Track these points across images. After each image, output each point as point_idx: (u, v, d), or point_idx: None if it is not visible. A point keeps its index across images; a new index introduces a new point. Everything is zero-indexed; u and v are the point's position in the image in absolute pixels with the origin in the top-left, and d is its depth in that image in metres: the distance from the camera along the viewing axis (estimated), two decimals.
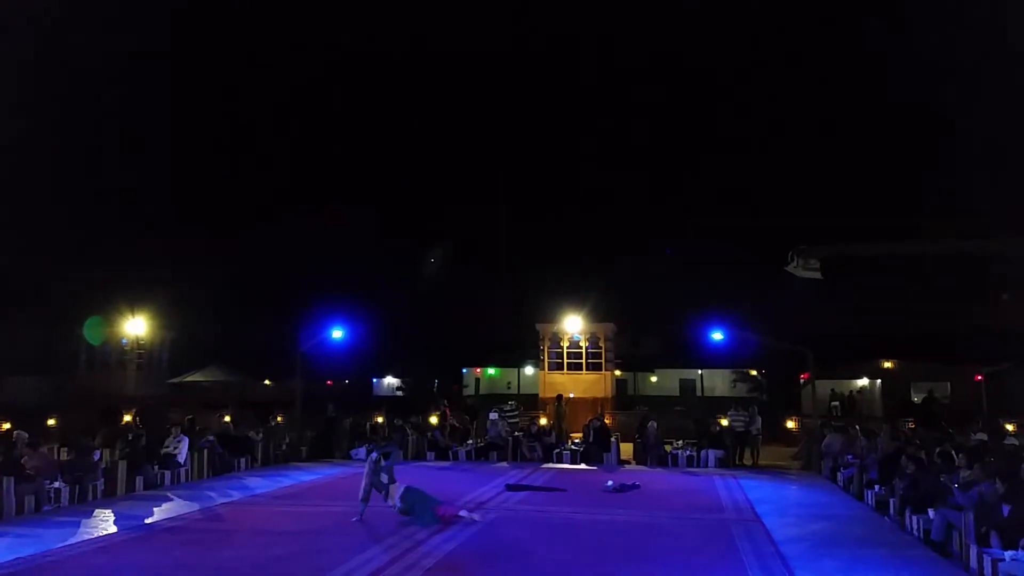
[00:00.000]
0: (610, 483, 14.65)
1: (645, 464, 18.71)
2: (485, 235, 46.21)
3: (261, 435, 18.83)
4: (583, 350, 27.66)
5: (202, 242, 41.57)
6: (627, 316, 31.32)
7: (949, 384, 30.79)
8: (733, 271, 38.39)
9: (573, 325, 27.43)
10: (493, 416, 20.70)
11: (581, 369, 27.64)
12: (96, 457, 13.71)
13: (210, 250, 40.78)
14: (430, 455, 19.96)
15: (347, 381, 40.90)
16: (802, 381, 29.09)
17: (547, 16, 50.49)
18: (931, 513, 10.08)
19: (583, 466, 18.64)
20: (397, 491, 11.26)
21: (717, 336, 21.86)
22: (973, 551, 8.74)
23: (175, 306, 32.27)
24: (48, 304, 32.63)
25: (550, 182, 51.98)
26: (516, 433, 20.51)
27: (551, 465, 18.72)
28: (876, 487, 12.96)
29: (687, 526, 11.20)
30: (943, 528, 9.60)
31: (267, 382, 37.51)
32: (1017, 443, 14.87)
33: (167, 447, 15.40)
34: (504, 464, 19.00)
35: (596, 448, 19.19)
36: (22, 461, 12.21)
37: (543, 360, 28.17)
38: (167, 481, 14.93)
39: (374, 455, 11.68)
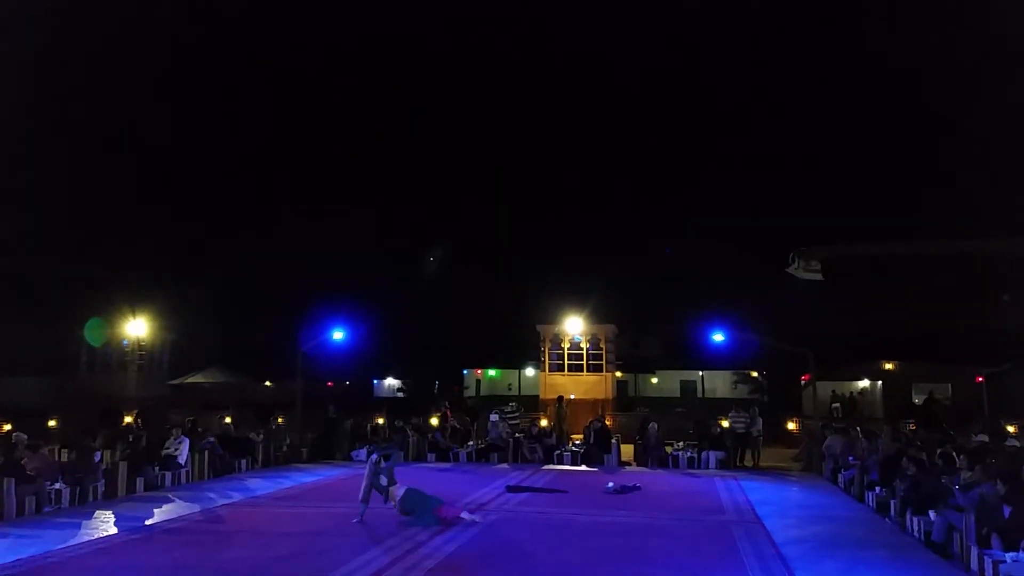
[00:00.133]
0: (611, 484, 14.65)
1: (646, 465, 18.71)
2: (485, 235, 46.17)
3: (262, 436, 18.84)
4: (584, 351, 27.65)
5: (202, 242, 41.59)
6: (628, 317, 31.30)
7: (950, 385, 30.81)
8: (733, 272, 38.36)
9: (574, 326, 27.43)
10: (494, 418, 20.69)
11: (582, 370, 27.63)
12: (97, 458, 13.72)
13: (210, 250, 40.80)
14: (431, 456, 19.97)
15: (348, 382, 40.93)
16: (803, 382, 29.07)
17: (547, 16, 50.49)
18: (932, 515, 10.09)
19: (584, 468, 18.64)
20: (398, 492, 11.27)
21: (718, 337, 21.88)
22: (974, 553, 8.74)
23: (176, 307, 32.30)
24: (49, 305, 32.64)
25: (551, 182, 51.99)
26: (517, 434, 20.51)
27: (552, 467, 18.71)
28: (877, 488, 12.96)
29: (688, 528, 11.20)
30: (944, 530, 9.60)
31: (268, 383, 37.55)
32: (1018, 444, 14.85)
33: (168, 448, 15.41)
34: (505, 465, 18.99)
35: (597, 449, 19.18)
36: (22, 462, 12.21)
37: (544, 361, 28.17)
38: (168, 482, 14.93)
39: (374, 456, 11.69)
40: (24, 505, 11.86)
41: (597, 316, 27.82)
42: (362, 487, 11.44)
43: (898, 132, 41.28)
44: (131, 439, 15.13)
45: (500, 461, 19.53)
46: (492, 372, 45.16)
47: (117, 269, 33.74)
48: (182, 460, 15.40)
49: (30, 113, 32.29)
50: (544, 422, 22.73)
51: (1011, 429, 18.37)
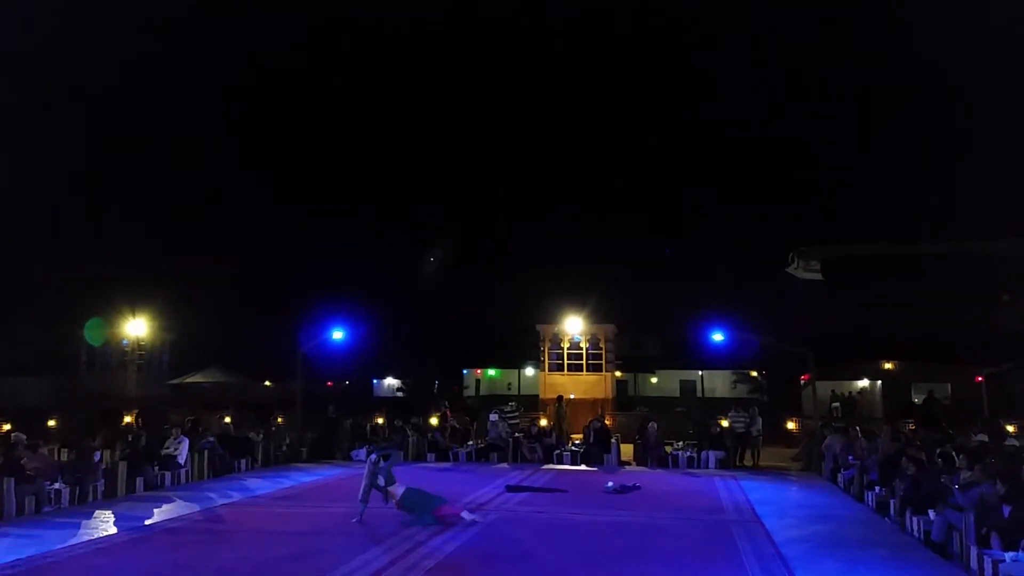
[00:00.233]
0: (610, 484, 14.65)
1: (645, 465, 18.70)
2: (485, 235, 46.23)
3: (261, 436, 18.84)
4: (583, 351, 27.64)
5: (202, 243, 41.61)
6: (627, 317, 31.28)
7: (950, 385, 30.83)
8: (733, 271, 38.42)
9: (573, 326, 27.42)
10: (493, 417, 20.69)
11: (581, 370, 27.62)
12: (96, 458, 13.72)
13: (210, 251, 40.81)
14: (430, 456, 19.97)
15: (347, 382, 40.96)
16: (802, 382, 29.11)
17: (546, 17, 50.51)
18: (932, 514, 10.09)
19: (583, 467, 18.64)
20: (398, 492, 11.28)
21: (717, 337, 21.86)
22: (973, 552, 8.75)
23: (175, 307, 32.25)
24: (49, 305, 32.66)
25: (551, 182, 51.96)
26: (516, 434, 20.51)
27: (551, 466, 18.71)
28: (877, 488, 12.96)
29: (688, 527, 11.20)
30: (944, 529, 9.60)
31: (267, 383, 37.54)
32: (1018, 444, 14.88)
33: (167, 448, 15.42)
34: (504, 465, 18.99)
35: (596, 449, 19.18)
36: (22, 462, 12.21)
37: (543, 361, 28.15)
38: (167, 482, 14.94)
39: (373, 456, 11.69)
40: (24, 505, 11.87)
41: (597, 316, 27.80)
42: (361, 487, 11.44)
43: (898, 132, 41.34)
44: (131, 439, 15.12)
45: (500, 461, 19.53)
46: (492, 372, 45.17)
47: (117, 269, 33.79)
48: (182, 460, 15.40)
49: (30, 113, 32.33)
50: (544, 422, 22.72)
51: (1011, 429, 18.39)
